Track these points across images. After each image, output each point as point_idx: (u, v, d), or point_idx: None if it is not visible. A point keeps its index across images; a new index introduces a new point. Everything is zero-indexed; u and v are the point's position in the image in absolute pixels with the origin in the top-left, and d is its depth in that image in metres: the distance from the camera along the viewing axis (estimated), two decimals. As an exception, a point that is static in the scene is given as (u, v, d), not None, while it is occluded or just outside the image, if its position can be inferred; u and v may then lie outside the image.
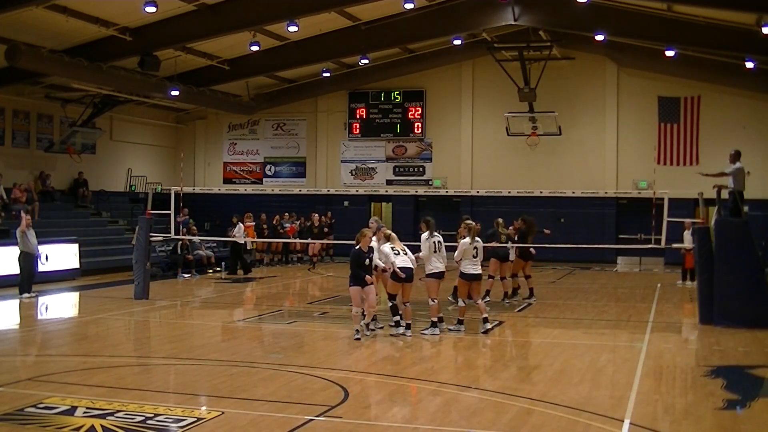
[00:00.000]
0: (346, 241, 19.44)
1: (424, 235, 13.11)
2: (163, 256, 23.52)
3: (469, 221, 13.92)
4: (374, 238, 12.85)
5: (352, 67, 29.05)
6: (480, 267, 13.35)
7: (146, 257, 17.38)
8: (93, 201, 27.54)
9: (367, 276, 12.25)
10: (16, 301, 16.75)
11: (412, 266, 12.82)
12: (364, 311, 12.35)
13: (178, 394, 8.99)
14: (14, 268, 17.84)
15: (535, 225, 17.91)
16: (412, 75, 30.09)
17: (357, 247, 12.39)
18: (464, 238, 13.36)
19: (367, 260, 12.37)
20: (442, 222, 16.91)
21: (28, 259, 17.43)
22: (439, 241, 13.19)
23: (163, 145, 32.62)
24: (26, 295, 17.15)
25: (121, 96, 26.14)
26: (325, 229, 27.37)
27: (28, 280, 17.41)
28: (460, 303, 13.44)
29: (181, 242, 22.53)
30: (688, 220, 18.58)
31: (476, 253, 13.25)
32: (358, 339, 12.23)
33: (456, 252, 13.30)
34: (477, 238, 13.37)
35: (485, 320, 13.23)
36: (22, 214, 17.94)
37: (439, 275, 13.07)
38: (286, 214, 28.31)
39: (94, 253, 23.31)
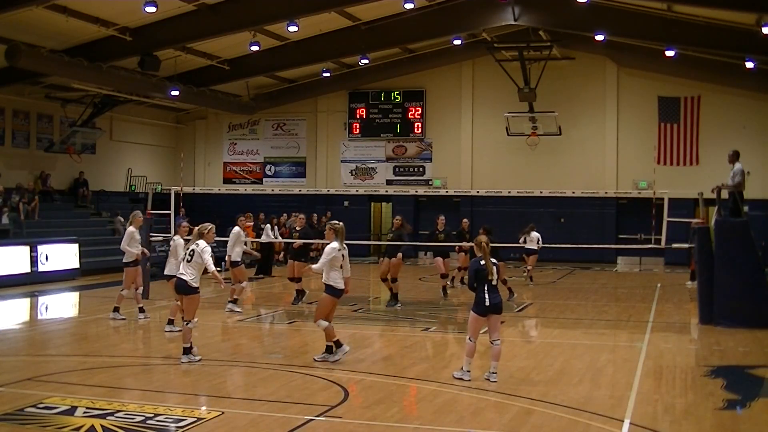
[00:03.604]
0: (346, 241, 19.46)
1: None
2: (163, 255, 23.48)
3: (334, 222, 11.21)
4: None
5: (352, 67, 29.05)
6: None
7: (146, 257, 17.34)
8: (93, 201, 27.53)
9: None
10: (17, 301, 16.74)
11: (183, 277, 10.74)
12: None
13: (178, 394, 8.98)
14: (13, 269, 17.75)
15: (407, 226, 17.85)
16: (412, 75, 30.09)
17: (479, 258, 9.55)
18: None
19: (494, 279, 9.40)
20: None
21: None
22: None
23: (163, 145, 32.62)
24: None
25: (121, 96, 26.12)
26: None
27: None
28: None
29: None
30: (695, 221, 18.27)
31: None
32: (466, 380, 9.51)
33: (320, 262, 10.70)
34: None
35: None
36: None
37: None
38: (294, 215, 28.18)
39: (94, 253, 23.29)
